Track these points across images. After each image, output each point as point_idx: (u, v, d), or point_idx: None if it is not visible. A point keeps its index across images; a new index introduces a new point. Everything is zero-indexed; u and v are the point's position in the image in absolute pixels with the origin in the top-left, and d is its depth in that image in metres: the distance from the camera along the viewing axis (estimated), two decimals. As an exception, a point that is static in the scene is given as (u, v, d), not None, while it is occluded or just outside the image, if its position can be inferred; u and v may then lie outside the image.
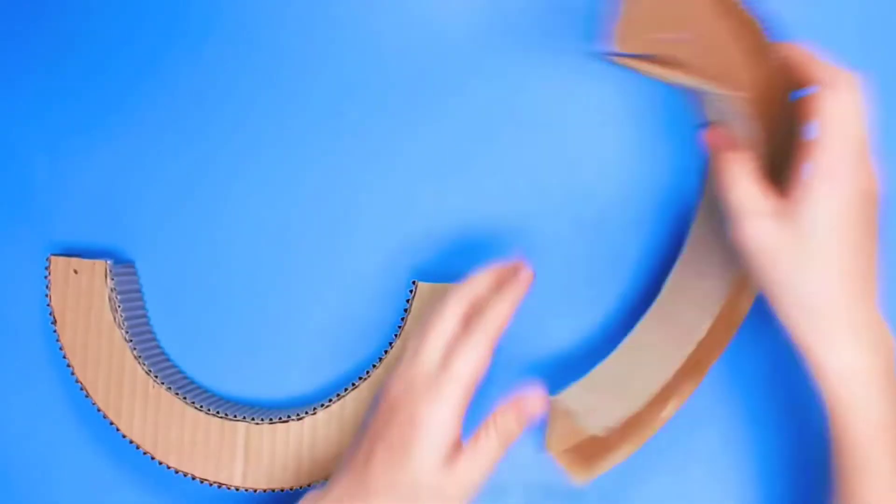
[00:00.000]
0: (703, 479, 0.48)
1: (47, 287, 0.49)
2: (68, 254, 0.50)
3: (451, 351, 0.38)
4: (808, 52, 0.37)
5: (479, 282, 0.40)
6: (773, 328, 0.39)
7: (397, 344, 0.47)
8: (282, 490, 0.47)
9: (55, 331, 0.48)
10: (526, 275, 0.40)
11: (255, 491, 0.47)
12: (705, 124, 0.41)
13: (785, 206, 0.36)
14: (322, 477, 0.46)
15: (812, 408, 0.45)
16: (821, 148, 0.35)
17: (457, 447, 0.38)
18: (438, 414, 0.37)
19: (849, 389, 0.37)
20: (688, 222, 0.46)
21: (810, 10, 0.47)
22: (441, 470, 0.37)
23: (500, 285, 0.40)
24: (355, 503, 0.38)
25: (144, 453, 0.47)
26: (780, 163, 0.38)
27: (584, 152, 0.49)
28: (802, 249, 0.36)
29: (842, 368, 0.37)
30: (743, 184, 0.38)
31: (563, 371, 0.47)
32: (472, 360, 0.37)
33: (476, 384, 0.38)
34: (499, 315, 0.38)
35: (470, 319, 0.39)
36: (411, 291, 0.47)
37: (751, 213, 0.37)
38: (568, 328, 0.48)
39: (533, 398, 0.39)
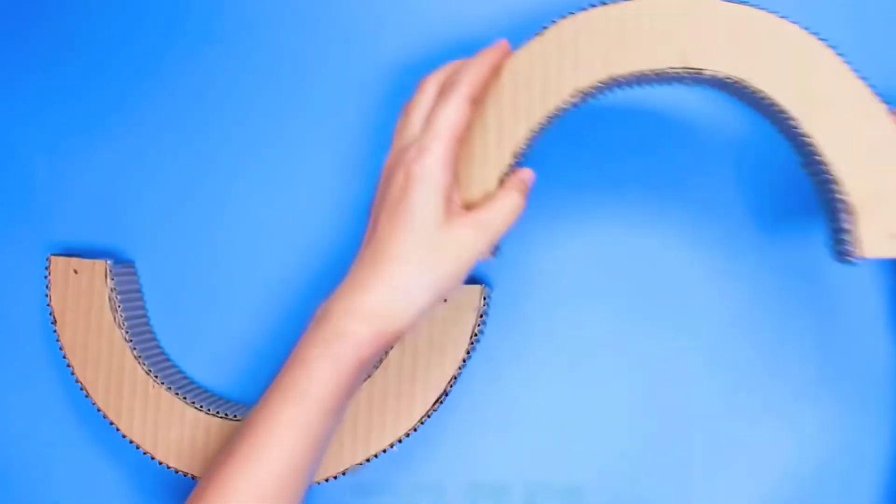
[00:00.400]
0: (700, 480, 0.48)
1: (47, 287, 0.49)
2: (68, 254, 0.50)
3: (430, 114, 0.39)
4: None
5: (452, 64, 0.41)
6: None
7: (396, 345, 0.47)
8: (282, 490, 0.47)
9: (55, 331, 0.48)
10: (500, 42, 0.40)
11: (255, 491, 0.47)
12: None
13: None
14: (320, 477, 0.46)
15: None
16: None
17: (454, 201, 0.39)
18: (427, 165, 0.37)
19: None
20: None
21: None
22: (444, 220, 0.37)
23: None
24: (375, 275, 0.38)
25: (144, 453, 0.47)
26: None
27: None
28: None
29: None
30: None
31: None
32: (450, 115, 0.38)
33: (459, 138, 0.38)
34: (471, 73, 0.39)
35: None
36: (411, 291, 0.47)
37: None
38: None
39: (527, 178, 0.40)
